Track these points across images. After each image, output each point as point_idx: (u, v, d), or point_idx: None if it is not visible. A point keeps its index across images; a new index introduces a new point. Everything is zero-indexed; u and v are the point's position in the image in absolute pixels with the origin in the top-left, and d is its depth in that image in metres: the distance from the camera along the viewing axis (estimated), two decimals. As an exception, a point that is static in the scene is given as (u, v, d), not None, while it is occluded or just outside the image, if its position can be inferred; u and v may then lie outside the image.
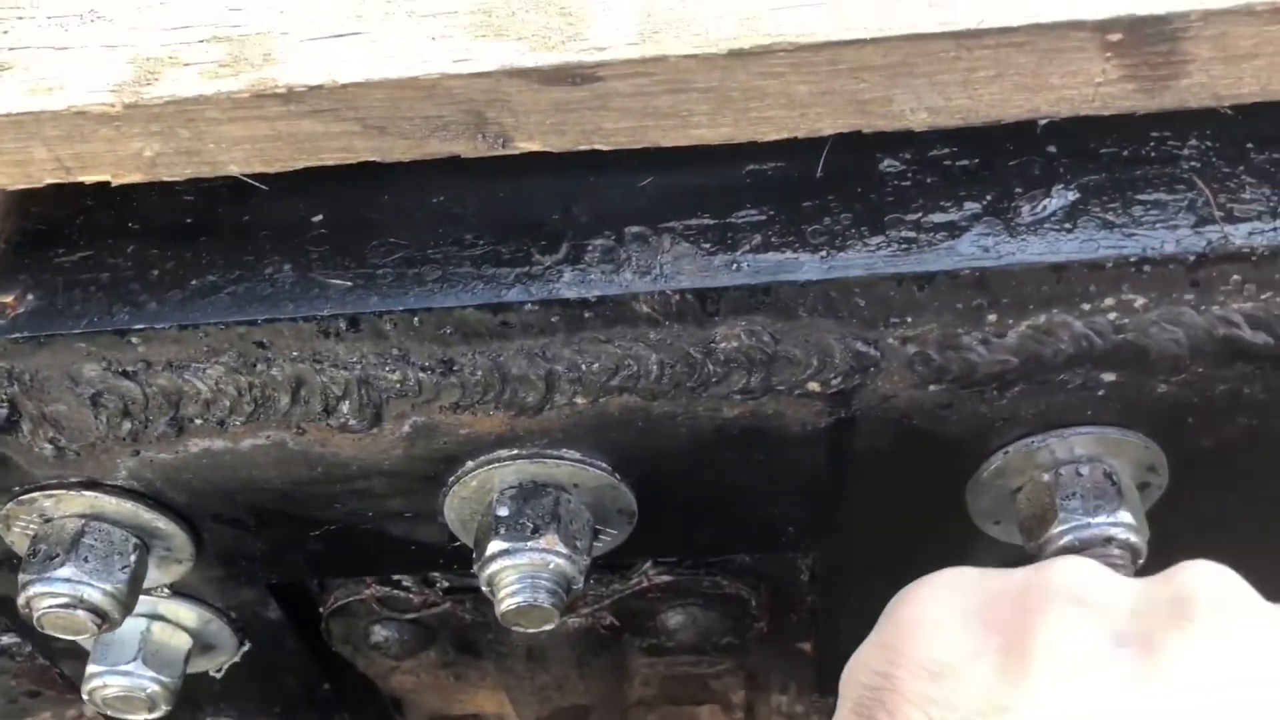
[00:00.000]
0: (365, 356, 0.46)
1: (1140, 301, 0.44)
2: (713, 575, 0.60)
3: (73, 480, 0.51)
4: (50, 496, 0.51)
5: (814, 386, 0.47)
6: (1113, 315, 0.45)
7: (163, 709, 0.59)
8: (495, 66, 0.44)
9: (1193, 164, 0.45)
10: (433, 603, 0.61)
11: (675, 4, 0.44)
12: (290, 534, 0.54)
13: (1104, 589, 0.39)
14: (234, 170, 0.47)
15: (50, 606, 0.50)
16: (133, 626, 0.59)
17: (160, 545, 0.53)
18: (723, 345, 0.46)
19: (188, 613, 0.59)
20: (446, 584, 0.61)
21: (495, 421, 0.48)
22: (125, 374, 0.46)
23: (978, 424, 0.49)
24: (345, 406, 0.47)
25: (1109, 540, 0.48)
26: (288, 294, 0.46)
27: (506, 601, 0.49)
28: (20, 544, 0.53)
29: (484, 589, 0.50)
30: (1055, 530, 0.48)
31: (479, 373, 0.46)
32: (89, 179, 0.47)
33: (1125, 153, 0.46)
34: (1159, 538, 0.51)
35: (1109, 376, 0.47)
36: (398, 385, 0.47)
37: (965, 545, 0.55)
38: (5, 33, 0.48)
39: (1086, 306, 0.44)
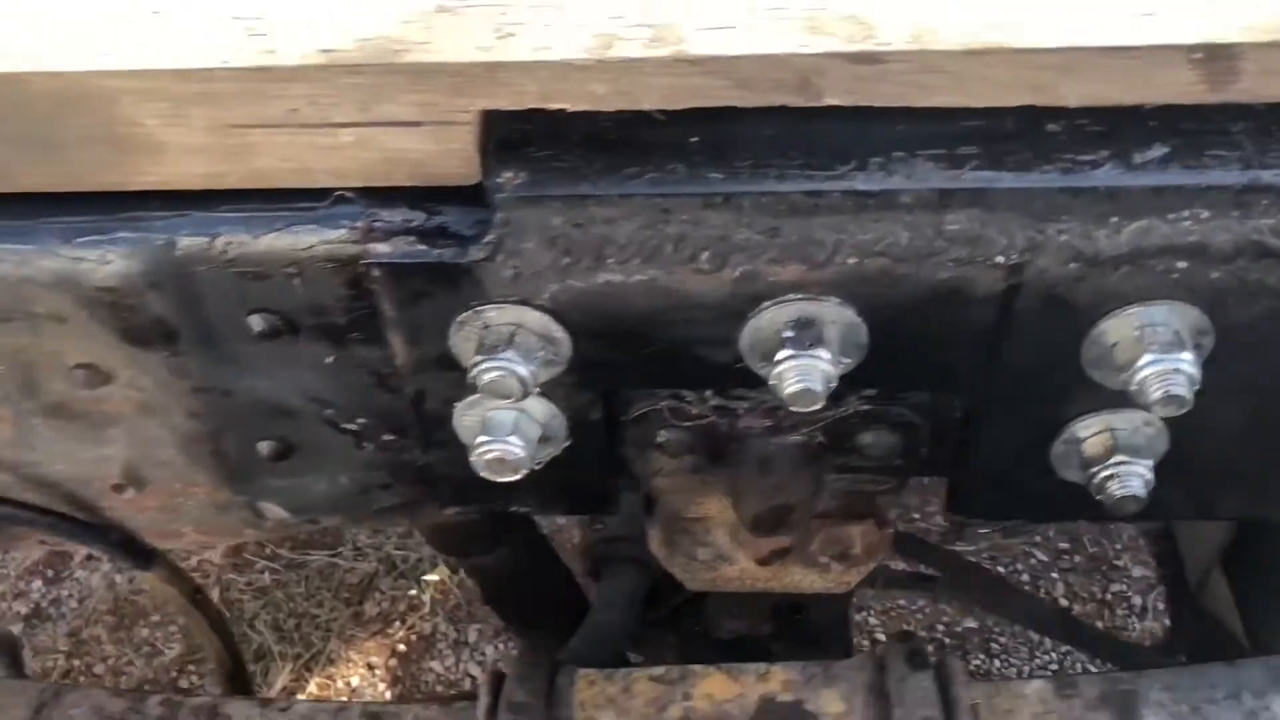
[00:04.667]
0: (726, 223, 0.75)
1: (1205, 214, 0.73)
2: (898, 406, 0.89)
3: (511, 299, 0.80)
4: (496, 309, 0.80)
5: (999, 259, 0.75)
6: (1188, 223, 0.73)
7: (521, 474, 0.87)
8: (821, 51, 0.73)
9: (1240, 135, 0.74)
10: (702, 414, 0.89)
11: (931, 18, 0.73)
12: (633, 350, 0.83)
13: None
14: (646, 106, 0.76)
15: (494, 376, 0.79)
16: (507, 413, 0.87)
17: (550, 350, 0.82)
18: (949, 228, 0.74)
19: (542, 408, 0.88)
20: (714, 402, 0.90)
21: (793, 272, 0.77)
22: (576, 225, 0.75)
23: (1097, 294, 0.77)
24: (704, 255, 0.76)
25: (1176, 370, 0.76)
26: (684, 180, 0.75)
27: (791, 389, 0.77)
28: (461, 346, 0.82)
29: (772, 384, 0.79)
30: (1141, 363, 0.77)
31: (794, 237, 0.75)
32: (553, 106, 0.76)
33: (1197, 127, 0.75)
34: (1208, 383, 0.79)
35: (1182, 264, 0.75)
36: (741, 243, 0.75)
37: (1071, 387, 0.83)
38: (503, 13, 0.77)
39: (1171, 216, 0.73)
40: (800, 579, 1.04)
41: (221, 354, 0.88)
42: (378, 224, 0.80)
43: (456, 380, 0.86)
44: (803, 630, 1.35)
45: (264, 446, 0.97)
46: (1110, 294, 0.77)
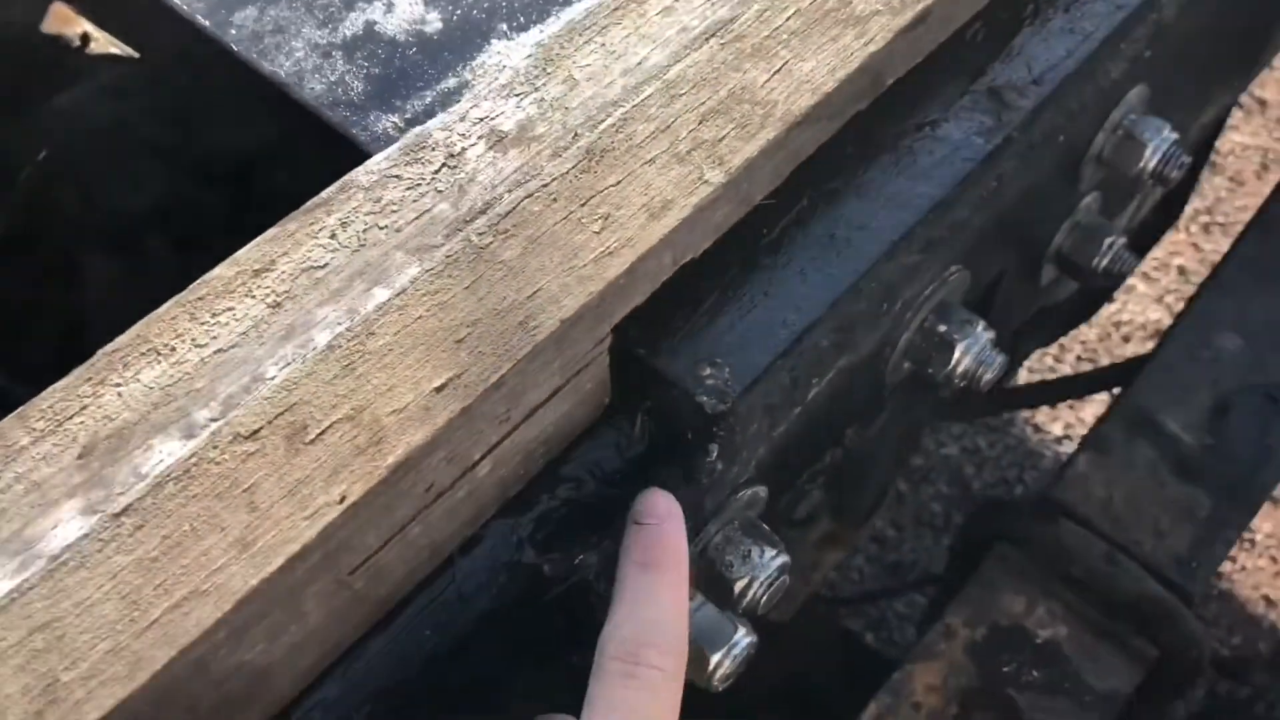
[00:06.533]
0: (898, 262, 0.64)
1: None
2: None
3: (724, 498, 0.63)
4: (712, 522, 0.62)
5: (1061, 139, 0.73)
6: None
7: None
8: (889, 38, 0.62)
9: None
10: (832, 461, 0.79)
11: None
12: (810, 452, 0.70)
13: None
14: (759, 199, 0.61)
15: (776, 583, 0.63)
16: (707, 612, 0.70)
17: (758, 512, 0.67)
18: (1036, 135, 0.70)
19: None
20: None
21: (937, 265, 0.69)
22: (793, 371, 0.60)
23: (1095, 111, 0.78)
24: (883, 307, 0.65)
25: (1174, 144, 0.81)
26: (852, 247, 0.62)
27: (988, 375, 0.71)
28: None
29: (958, 383, 0.71)
30: (1147, 154, 0.80)
31: (944, 231, 0.66)
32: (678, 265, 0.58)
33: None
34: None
35: (1149, 52, 0.78)
36: (910, 268, 0.65)
37: (1059, 208, 0.85)
38: (585, 194, 0.55)
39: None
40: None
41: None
42: (545, 537, 0.57)
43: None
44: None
45: None
46: (1104, 100, 0.78)
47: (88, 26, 1.17)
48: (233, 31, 0.70)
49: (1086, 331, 2.39)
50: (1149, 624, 0.89)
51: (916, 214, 0.63)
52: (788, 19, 0.63)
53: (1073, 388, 1.53)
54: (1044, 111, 0.69)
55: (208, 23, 0.71)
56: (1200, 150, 1.53)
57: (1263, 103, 2.69)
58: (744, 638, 0.69)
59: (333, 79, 0.68)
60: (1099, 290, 1.54)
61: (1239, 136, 2.65)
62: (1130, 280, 2.41)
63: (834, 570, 1.10)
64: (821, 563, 0.95)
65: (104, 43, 1.17)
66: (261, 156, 0.78)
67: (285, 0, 0.71)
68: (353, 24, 0.71)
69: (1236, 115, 2.66)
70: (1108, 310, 2.39)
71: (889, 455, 0.88)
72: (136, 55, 1.02)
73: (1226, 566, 2.14)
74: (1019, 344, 1.51)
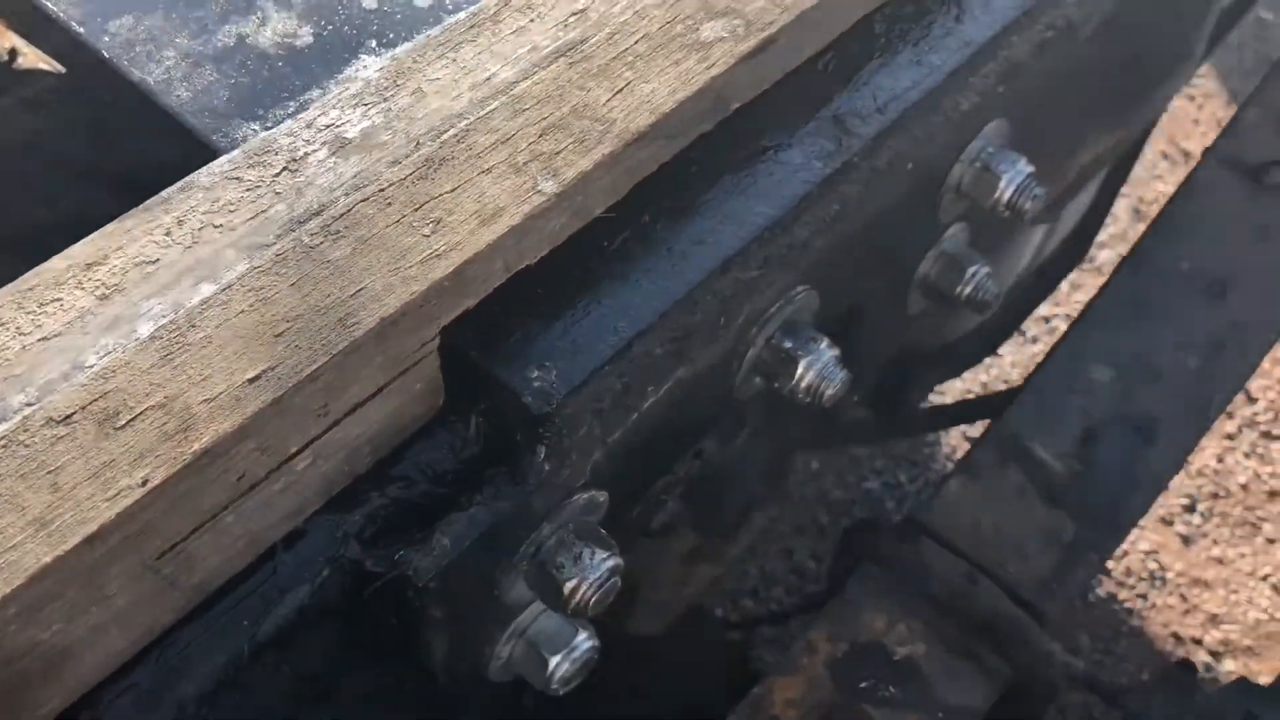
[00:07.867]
0: (736, 277, 0.66)
1: (1015, 39, 0.80)
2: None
3: (558, 500, 0.64)
4: (546, 523, 0.64)
5: (909, 166, 0.76)
6: (1012, 49, 0.79)
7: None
8: (732, 63, 0.65)
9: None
10: (688, 471, 0.81)
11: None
12: (652, 459, 0.72)
13: None
14: (599, 212, 0.63)
15: (608, 584, 0.64)
16: (549, 619, 0.72)
17: (597, 516, 0.69)
18: (879, 163, 0.73)
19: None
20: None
21: (780, 284, 0.71)
22: (622, 376, 0.62)
23: (951, 144, 0.81)
24: (722, 320, 0.67)
25: (1029, 175, 0.84)
26: (691, 261, 0.64)
27: (831, 390, 0.73)
28: (520, 589, 0.65)
29: (801, 398, 0.74)
30: (1003, 184, 0.83)
31: (784, 249, 0.69)
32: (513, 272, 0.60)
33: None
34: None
35: (1002, 88, 0.82)
36: (748, 284, 0.68)
37: (922, 237, 0.88)
38: (415, 200, 0.57)
39: (1001, 52, 0.79)
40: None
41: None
42: (373, 533, 0.59)
43: (488, 641, 0.69)
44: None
45: None
46: (957, 131, 0.81)
47: (16, 41, 1.18)
48: (106, 39, 0.72)
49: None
50: (1004, 643, 0.92)
51: (753, 231, 0.65)
52: (636, 42, 0.65)
53: (958, 414, 1.56)
54: (888, 139, 0.72)
55: (83, 29, 0.72)
56: (1105, 192, 1.57)
57: (1186, 154, 2.76)
58: (585, 641, 0.71)
59: (200, 87, 0.70)
60: (1001, 328, 1.57)
61: (1164, 186, 2.72)
62: (1056, 319, 2.45)
63: (717, 591, 1.12)
64: (692, 577, 0.97)
65: (33, 58, 1.18)
66: (135, 164, 0.79)
67: (161, 10, 0.73)
68: (225, 35, 0.73)
69: (1162, 166, 2.73)
70: (1033, 350, 2.43)
71: (755, 473, 0.90)
72: (63, 70, 1.03)
73: (1137, 604, 2.17)
74: (923, 375, 1.54)
